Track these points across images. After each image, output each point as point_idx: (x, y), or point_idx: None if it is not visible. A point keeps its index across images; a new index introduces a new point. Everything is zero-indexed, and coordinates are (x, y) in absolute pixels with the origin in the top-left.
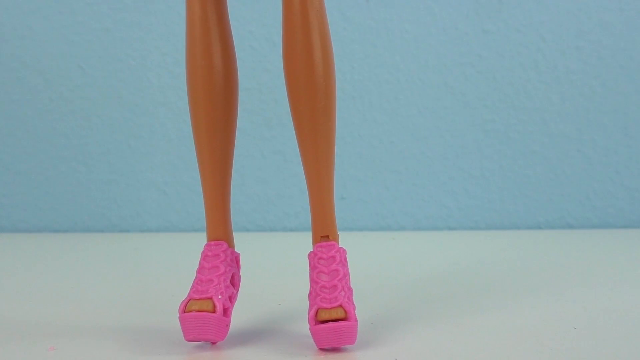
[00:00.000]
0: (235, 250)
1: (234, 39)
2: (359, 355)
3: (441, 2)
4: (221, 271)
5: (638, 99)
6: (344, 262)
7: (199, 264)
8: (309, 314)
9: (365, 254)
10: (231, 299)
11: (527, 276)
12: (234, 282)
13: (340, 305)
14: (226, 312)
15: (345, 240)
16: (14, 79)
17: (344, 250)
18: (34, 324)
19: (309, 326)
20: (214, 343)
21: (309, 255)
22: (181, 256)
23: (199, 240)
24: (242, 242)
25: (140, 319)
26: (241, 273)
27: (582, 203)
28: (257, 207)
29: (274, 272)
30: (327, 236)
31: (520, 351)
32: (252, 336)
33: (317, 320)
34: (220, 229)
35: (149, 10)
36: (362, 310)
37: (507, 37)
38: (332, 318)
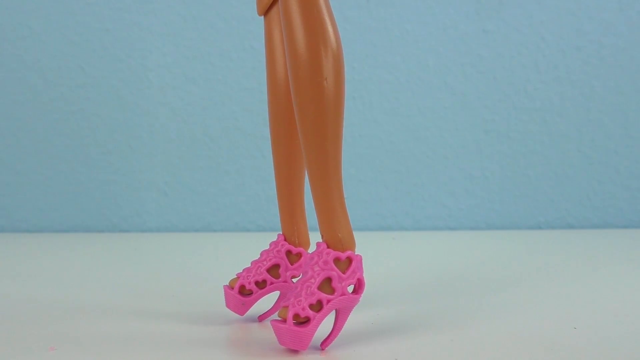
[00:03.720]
0: (298, 247)
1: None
2: (359, 355)
3: (441, 2)
4: (261, 259)
5: (638, 99)
6: (322, 266)
7: None
8: None
9: (365, 254)
10: (263, 283)
11: (527, 276)
12: (280, 271)
13: (286, 307)
14: (246, 293)
15: None
16: (14, 79)
17: (331, 252)
18: (34, 324)
19: None
20: (241, 314)
21: None
22: (181, 256)
23: (199, 240)
24: (242, 242)
25: (140, 318)
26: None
27: (583, 203)
28: (257, 207)
29: None
30: (322, 236)
31: (520, 351)
32: (252, 336)
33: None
34: (283, 225)
35: (149, 10)
36: (363, 310)
37: (507, 37)
38: (279, 316)
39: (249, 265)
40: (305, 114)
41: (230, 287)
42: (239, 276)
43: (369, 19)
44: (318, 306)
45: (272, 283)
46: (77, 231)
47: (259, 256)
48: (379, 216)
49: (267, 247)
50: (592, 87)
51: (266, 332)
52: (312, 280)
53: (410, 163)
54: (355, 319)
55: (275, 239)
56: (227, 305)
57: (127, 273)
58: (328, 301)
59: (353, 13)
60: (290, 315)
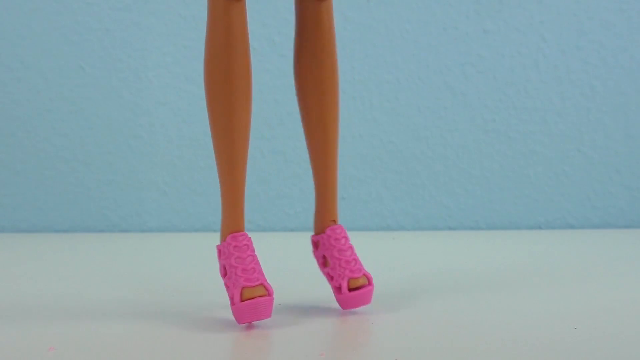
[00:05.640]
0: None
1: None
2: (359, 355)
3: (441, 2)
4: (257, 259)
5: (638, 99)
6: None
7: (231, 255)
8: (336, 285)
9: (365, 254)
10: None
11: (527, 276)
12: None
13: (364, 275)
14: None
15: None
16: (14, 79)
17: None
18: (34, 324)
19: (336, 296)
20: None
21: (320, 237)
22: (181, 256)
23: (199, 240)
24: None
25: (140, 319)
26: None
27: (583, 203)
28: (257, 207)
29: (274, 272)
30: (335, 220)
31: (520, 351)
32: (252, 336)
33: (350, 288)
34: (242, 222)
35: (149, 10)
36: (362, 310)
37: (507, 37)
38: (359, 285)
39: (241, 268)
40: (332, 105)
41: (263, 295)
42: (261, 283)
43: (369, 19)
44: None
45: None
46: (77, 231)
47: (246, 255)
48: (379, 216)
49: (252, 247)
50: (592, 87)
51: (266, 332)
52: (354, 254)
53: (410, 163)
54: (355, 319)
55: (240, 236)
56: (256, 317)
57: (127, 273)
58: None
59: (353, 13)
60: (371, 277)
